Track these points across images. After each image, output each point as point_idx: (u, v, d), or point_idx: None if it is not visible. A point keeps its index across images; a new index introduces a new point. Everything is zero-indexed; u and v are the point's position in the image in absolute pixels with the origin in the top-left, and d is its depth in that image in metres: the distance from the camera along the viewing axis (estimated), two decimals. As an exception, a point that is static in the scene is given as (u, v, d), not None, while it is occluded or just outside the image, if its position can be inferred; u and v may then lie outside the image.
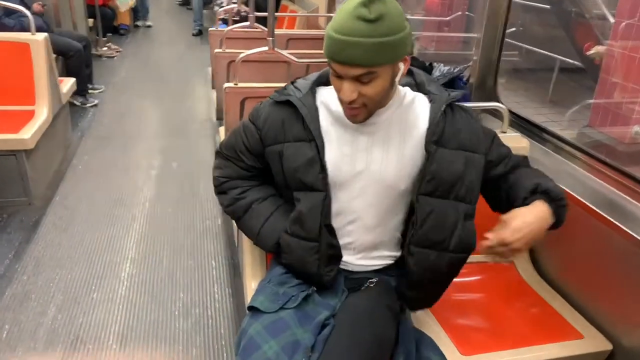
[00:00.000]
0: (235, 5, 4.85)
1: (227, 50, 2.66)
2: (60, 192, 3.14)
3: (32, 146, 2.80)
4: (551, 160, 1.75)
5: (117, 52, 6.57)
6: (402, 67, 1.15)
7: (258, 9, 4.23)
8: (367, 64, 1.06)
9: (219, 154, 1.42)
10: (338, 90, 1.14)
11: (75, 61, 4.41)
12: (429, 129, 1.22)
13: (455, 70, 1.90)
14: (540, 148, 1.81)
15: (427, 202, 1.21)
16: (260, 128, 1.29)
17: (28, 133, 2.77)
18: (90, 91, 4.85)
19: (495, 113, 1.81)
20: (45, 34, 3.10)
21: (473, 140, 1.24)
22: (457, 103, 1.28)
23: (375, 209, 1.26)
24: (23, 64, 3.01)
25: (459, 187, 1.22)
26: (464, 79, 1.96)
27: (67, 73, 4.30)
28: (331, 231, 1.27)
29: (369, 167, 1.23)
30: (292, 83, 1.32)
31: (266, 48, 2.10)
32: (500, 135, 1.73)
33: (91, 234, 2.72)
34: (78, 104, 4.59)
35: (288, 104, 1.26)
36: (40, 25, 4.14)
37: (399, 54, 1.10)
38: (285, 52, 2.23)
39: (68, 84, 3.67)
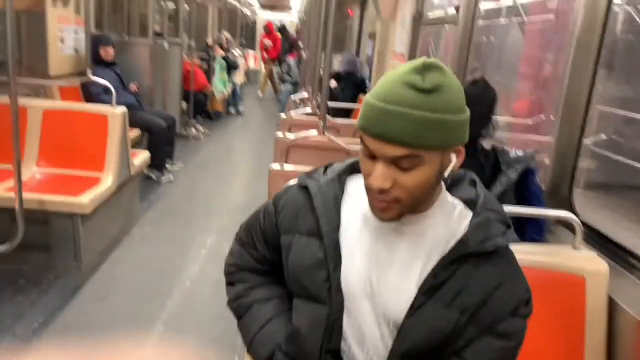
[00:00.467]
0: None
1: (287, 135, 2.61)
2: (110, 260, 3.13)
3: (90, 211, 2.84)
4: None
5: (204, 134, 6.94)
6: (454, 160, 0.89)
7: (333, 98, 4.26)
8: (411, 143, 0.82)
9: (236, 236, 1.23)
10: (367, 175, 0.89)
11: (157, 138, 4.65)
12: (432, 275, 0.93)
13: (523, 155, 1.65)
14: (626, 276, 1.44)
15: None
16: (279, 212, 1.08)
17: (87, 198, 2.82)
18: (168, 168, 5.05)
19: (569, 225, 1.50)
20: (124, 109, 3.27)
21: (492, 309, 0.91)
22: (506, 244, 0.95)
23: (384, 344, 0.98)
24: (99, 134, 3.17)
25: (438, 353, 0.94)
26: (537, 175, 1.69)
27: (149, 148, 4.52)
28: (337, 359, 1.00)
29: (380, 292, 0.95)
30: (327, 166, 1.11)
31: (316, 133, 1.99)
32: (572, 252, 1.44)
33: (125, 307, 2.62)
34: (154, 178, 4.76)
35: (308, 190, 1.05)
36: (132, 103, 4.47)
37: (454, 140, 0.85)
38: (339, 140, 2.10)
39: (141, 157, 3.81)
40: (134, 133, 4.39)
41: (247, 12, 15.32)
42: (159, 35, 5.77)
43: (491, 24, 6.33)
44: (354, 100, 4.94)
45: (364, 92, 5.10)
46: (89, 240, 2.97)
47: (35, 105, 3.15)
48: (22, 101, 3.14)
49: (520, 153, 1.71)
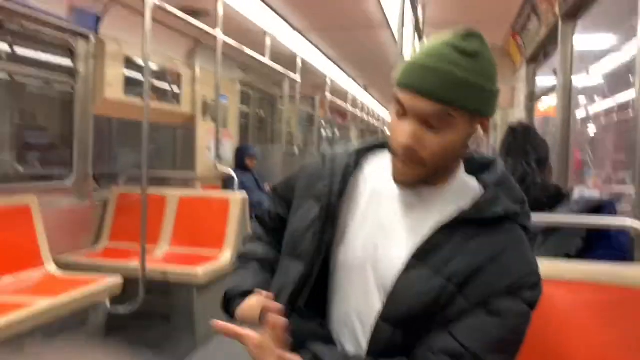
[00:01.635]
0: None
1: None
2: (221, 337, 3.28)
3: (204, 282, 3.09)
4: None
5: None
6: (480, 131, 0.90)
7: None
8: (446, 99, 0.83)
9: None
10: (395, 134, 0.88)
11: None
12: (426, 239, 0.89)
13: (594, 197, 1.48)
14: None
15: (383, 329, 0.89)
16: (300, 176, 1.10)
17: (202, 270, 3.10)
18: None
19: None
20: (244, 194, 3.65)
21: (484, 281, 0.85)
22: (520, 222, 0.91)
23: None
24: (222, 216, 3.54)
25: (424, 324, 0.86)
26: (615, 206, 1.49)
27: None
28: (306, 315, 0.96)
29: (381, 259, 0.93)
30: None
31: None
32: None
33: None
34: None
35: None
36: (264, 201, 4.93)
37: (485, 108, 0.87)
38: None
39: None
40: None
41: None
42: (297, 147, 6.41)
43: None
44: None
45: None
46: (204, 312, 3.19)
47: (173, 194, 3.68)
48: (163, 190, 3.74)
49: (593, 195, 1.58)
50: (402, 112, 0.87)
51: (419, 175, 0.90)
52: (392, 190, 0.96)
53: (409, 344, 0.88)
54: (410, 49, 2.79)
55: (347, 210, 1.00)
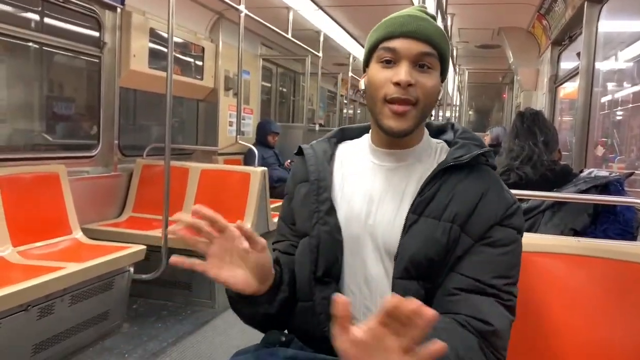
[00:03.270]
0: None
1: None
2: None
3: (222, 252, 3.19)
4: None
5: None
6: (442, 90, 1.03)
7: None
8: (435, 40, 0.97)
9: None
10: (385, 82, 0.96)
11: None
12: (417, 194, 0.99)
13: (602, 174, 1.50)
14: None
15: (403, 286, 0.95)
16: (289, 186, 1.15)
17: (222, 240, 3.20)
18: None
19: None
20: (264, 169, 3.71)
21: (481, 217, 0.96)
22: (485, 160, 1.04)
23: (388, 280, 0.98)
24: (243, 189, 3.60)
25: (438, 269, 0.95)
26: (623, 183, 1.52)
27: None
28: (327, 284, 1.02)
29: (377, 224, 1.00)
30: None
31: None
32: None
33: (243, 341, 2.80)
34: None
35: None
36: (282, 176, 5.00)
37: (446, 67, 1.03)
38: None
39: (281, 217, 4.16)
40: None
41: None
42: (319, 125, 6.44)
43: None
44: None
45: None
46: (223, 282, 3.29)
47: (196, 166, 3.77)
48: (185, 163, 3.82)
49: (600, 173, 1.60)
50: (393, 60, 0.97)
51: (414, 119, 0.98)
52: (370, 166, 1.07)
53: (431, 296, 0.95)
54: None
55: (335, 188, 1.07)
